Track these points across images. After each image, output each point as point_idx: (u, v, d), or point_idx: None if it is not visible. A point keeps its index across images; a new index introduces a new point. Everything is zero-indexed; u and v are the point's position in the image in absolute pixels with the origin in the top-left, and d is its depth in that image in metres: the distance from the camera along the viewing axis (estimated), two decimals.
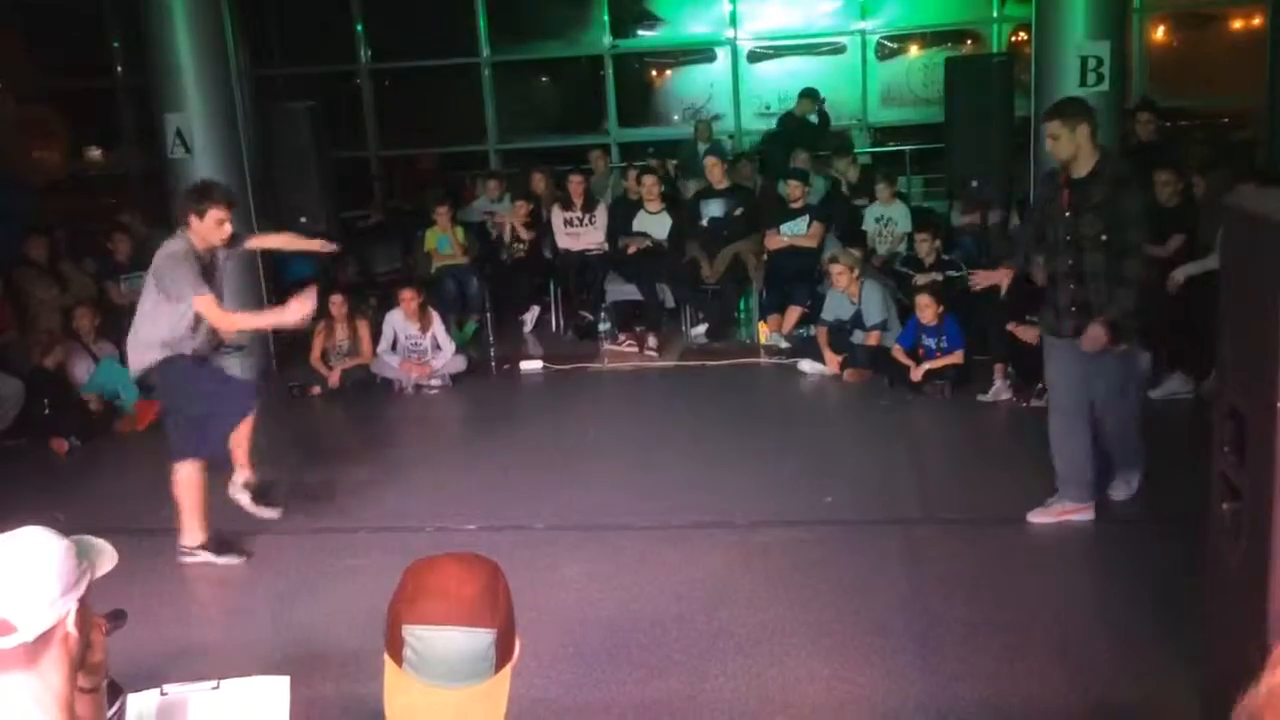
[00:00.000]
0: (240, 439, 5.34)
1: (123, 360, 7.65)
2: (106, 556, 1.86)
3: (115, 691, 2.25)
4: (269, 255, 9.24)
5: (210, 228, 5.02)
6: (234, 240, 5.24)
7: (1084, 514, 5.21)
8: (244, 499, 5.44)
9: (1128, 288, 4.84)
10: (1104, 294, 4.89)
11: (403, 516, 5.86)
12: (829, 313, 8.14)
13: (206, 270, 5.09)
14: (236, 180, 8.67)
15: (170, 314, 5.07)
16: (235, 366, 8.15)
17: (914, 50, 13.74)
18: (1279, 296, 2.53)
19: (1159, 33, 13.17)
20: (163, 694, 2.60)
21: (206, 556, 5.31)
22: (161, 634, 4.48)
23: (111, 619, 2.03)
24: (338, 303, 8.45)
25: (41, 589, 1.64)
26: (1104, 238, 4.85)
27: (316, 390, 8.30)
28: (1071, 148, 4.89)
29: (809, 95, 11.44)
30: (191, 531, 5.31)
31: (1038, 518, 5.26)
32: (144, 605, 4.50)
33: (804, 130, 11.23)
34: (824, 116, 11.53)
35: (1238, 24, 13.35)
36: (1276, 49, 11.24)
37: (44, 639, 1.65)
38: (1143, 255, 4.92)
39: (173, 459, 5.29)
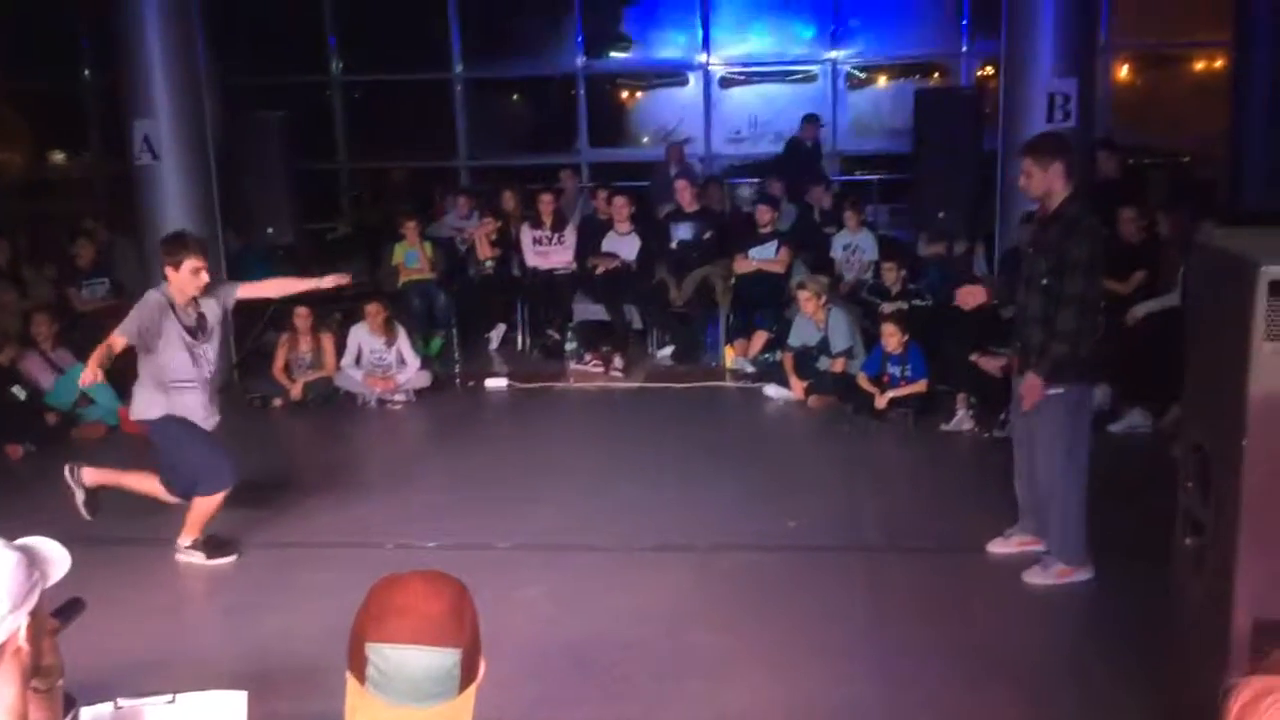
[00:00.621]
0: (207, 507, 5.41)
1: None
2: (58, 563, 1.80)
3: (69, 703, 2.20)
4: (232, 265, 9.18)
5: (186, 278, 5.17)
6: (211, 288, 5.36)
7: (1041, 546, 5.16)
8: (196, 558, 5.47)
9: (1060, 341, 4.66)
10: (1038, 338, 4.77)
11: (363, 533, 5.80)
12: (795, 338, 8.16)
13: (192, 330, 5.24)
14: (204, 188, 8.63)
15: (152, 361, 5.22)
16: None
17: (883, 81, 13.88)
18: (1246, 334, 2.56)
19: (1124, 72, 13.38)
20: (117, 707, 2.56)
21: (196, 556, 5.45)
22: (116, 646, 4.40)
23: (65, 614, 1.98)
24: (302, 314, 8.39)
25: None
26: (1045, 281, 4.73)
27: (279, 402, 8.23)
28: (1043, 185, 4.78)
29: (813, 120, 11.57)
30: (197, 531, 5.48)
31: (997, 548, 5.28)
32: (99, 617, 4.41)
33: (808, 154, 11.35)
34: (817, 143, 11.67)
35: (1200, 65, 13.59)
36: (1238, 90, 11.46)
37: None
38: (1080, 304, 4.64)
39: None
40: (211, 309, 5.34)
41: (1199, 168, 13.02)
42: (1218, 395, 2.76)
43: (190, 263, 5.14)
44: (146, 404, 5.31)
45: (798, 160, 11.36)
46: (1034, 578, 4.98)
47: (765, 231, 9.21)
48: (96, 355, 4.93)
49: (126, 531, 5.79)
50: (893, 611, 4.80)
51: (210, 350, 5.33)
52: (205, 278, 5.21)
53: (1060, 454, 4.84)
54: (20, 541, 1.76)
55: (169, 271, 5.17)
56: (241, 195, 9.28)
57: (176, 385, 5.23)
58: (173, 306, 5.17)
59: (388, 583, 1.65)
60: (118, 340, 5.05)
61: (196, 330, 5.26)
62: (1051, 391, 4.78)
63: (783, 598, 4.92)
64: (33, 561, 1.70)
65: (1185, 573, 3.07)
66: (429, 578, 1.66)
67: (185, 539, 5.46)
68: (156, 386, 5.25)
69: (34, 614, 1.67)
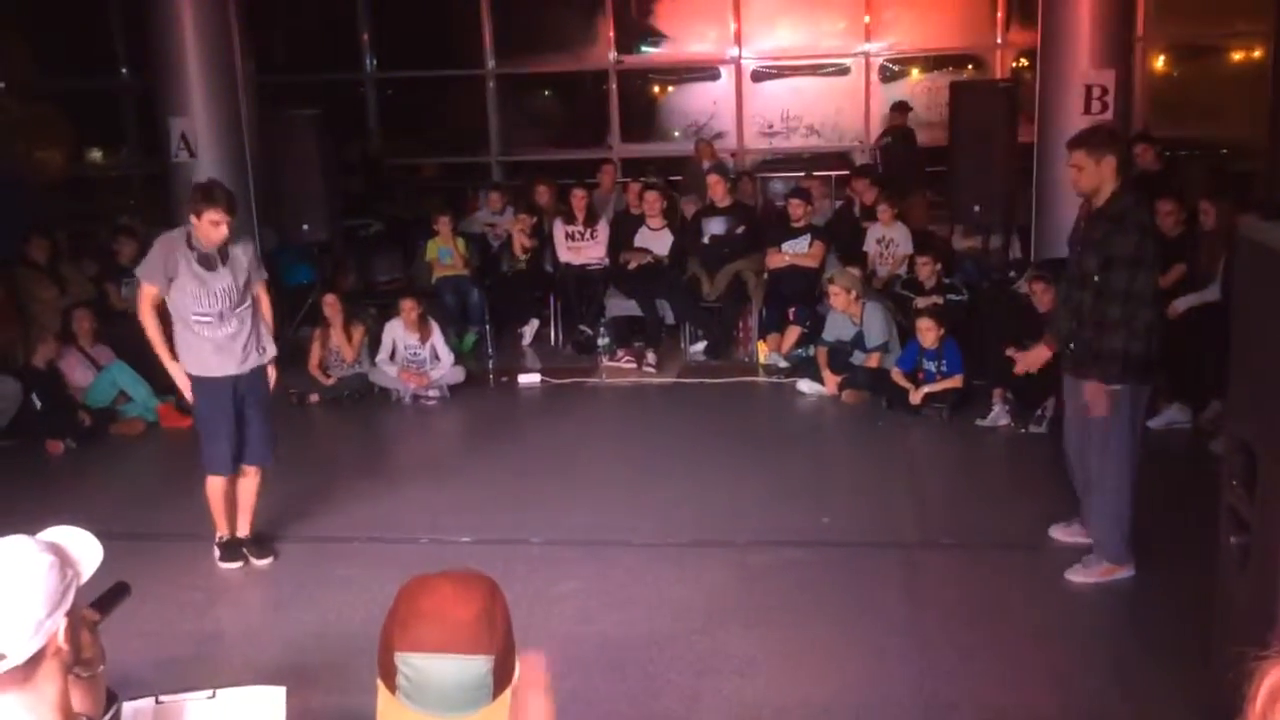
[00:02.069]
0: (210, 491, 5.41)
1: (132, 362, 7.67)
2: (90, 554, 1.80)
3: (110, 699, 2.22)
4: (269, 262, 9.24)
5: (206, 228, 5.06)
6: (245, 249, 5.31)
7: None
8: (215, 554, 5.52)
9: (1110, 336, 4.60)
10: (1089, 336, 4.72)
11: (398, 527, 5.83)
12: (830, 333, 8.12)
13: (206, 259, 5.13)
14: (240, 186, 8.69)
15: (173, 300, 5.18)
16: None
17: (916, 74, 13.78)
18: None
19: (1160, 63, 13.22)
20: (158, 702, 2.58)
21: (217, 554, 5.48)
22: (155, 642, 4.46)
23: (106, 603, 1.98)
24: (330, 302, 8.41)
25: (28, 613, 1.61)
26: (1095, 277, 4.66)
27: (315, 398, 8.27)
28: (1095, 180, 4.70)
29: (904, 108, 11.55)
30: (219, 526, 5.50)
31: (1059, 534, 5.25)
32: (137, 613, 4.46)
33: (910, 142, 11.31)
34: None
35: (1238, 56, 13.41)
36: (1278, 81, 11.28)
37: (35, 658, 1.62)
38: (1126, 299, 4.57)
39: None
40: (237, 256, 5.22)
41: (1237, 160, 12.86)
42: (1264, 392, 2.71)
43: (209, 214, 5.02)
44: (183, 351, 5.25)
45: (910, 151, 11.25)
46: (1076, 575, 4.94)
47: (798, 225, 9.16)
48: (160, 346, 5.14)
49: (164, 526, 5.86)
50: (929, 608, 4.77)
51: (224, 283, 5.16)
52: (224, 230, 5.07)
53: (1110, 452, 4.78)
54: (51, 536, 1.76)
55: (192, 218, 5.07)
56: (277, 192, 9.34)
57: (196, 319, 5.13)
58: (189, 241, 5.09)
59: (416, 585, 1.60)
60: (149, 292, 5.12)
61: (211, 261, 5.14)
62: (1108, 389, 4.74)
63: (818, 594, 4.90)
64: (65, 561, 1.71)
65: (1230, 571, 3.03)
66: (459, 580, 1.61)
67: (216, 533, 5.51)
68: (184, 327, 5.18)
69: (69, 613, 1.69)
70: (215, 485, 5.39)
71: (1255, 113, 11.81)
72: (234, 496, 5.45)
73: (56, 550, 1.71)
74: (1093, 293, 4.69)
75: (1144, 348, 4.62)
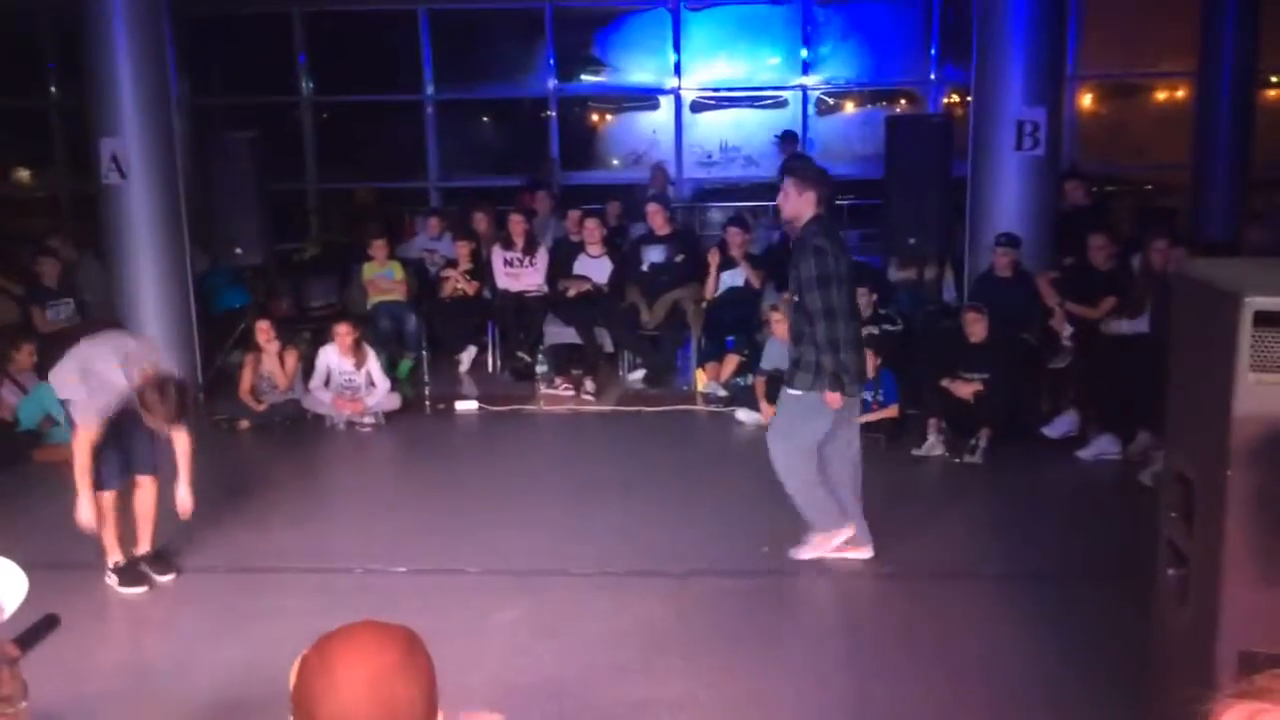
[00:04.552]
0: (104, 515, 5.28)
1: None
2: (15, 588, 1.74)
3: None
4: (200, 286, 9.09)
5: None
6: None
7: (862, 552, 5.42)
8: (112, 581, 5.37)
9: (825, 352, 5.00)
10: (793, 352, 5.19)
11: (331, 557, 5.71)
12: (768, 362, 8.14)
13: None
14: (173, 208, 8.54)
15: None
16: None
17: (851, 107, 13.99)
18: (1230, 364, 2.56)
19: (1087, 100, 13.56)
20: None
21: (112, 580, 5.35)
22: (75, 678, 4.31)
23: (30, 639, 1.91)
24: (264, 328, 8.27)
25: None
26: (796, 299, 5.13)
27: (245, 424, 8.12)
28: (795, 209, 5.14)
29: (793, 138, 11.90)
30: (110, 551, 5.36)
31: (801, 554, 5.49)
32: (56, 647, 4.32)
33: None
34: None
35: (1162, 94, 13.80)
36: (1202, 120, 11.64)
37: None
38: (828, 316, 4.99)
39: None
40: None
41: (1161, 196, 13.20)
42: (1201, 426, 2.76)
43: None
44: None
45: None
46: (801, 553, 5.43)
47: (735, 255, 9.20)
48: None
49: (88, 555, 5.67)
50: (868, 637, 4.79)
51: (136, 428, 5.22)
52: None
53: (789, 447, 5.25)
54: None
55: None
56: (210, 215, 9.20)
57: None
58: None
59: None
60: (89, 437, 5.05)
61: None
62: (791, 392, 5.18)
63: (757, 624, 4.89)
64: None
65: (1167, 603, 3.06)
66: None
67: (107, 559, 5.37)
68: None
69: None
70: (103, 500, 5.25)
71: (1177, 149, 12.15)
72: (114, 516, 5.33)
73: None
74: (794, 311, 5.21)
75: (832, 359, 5.02)
